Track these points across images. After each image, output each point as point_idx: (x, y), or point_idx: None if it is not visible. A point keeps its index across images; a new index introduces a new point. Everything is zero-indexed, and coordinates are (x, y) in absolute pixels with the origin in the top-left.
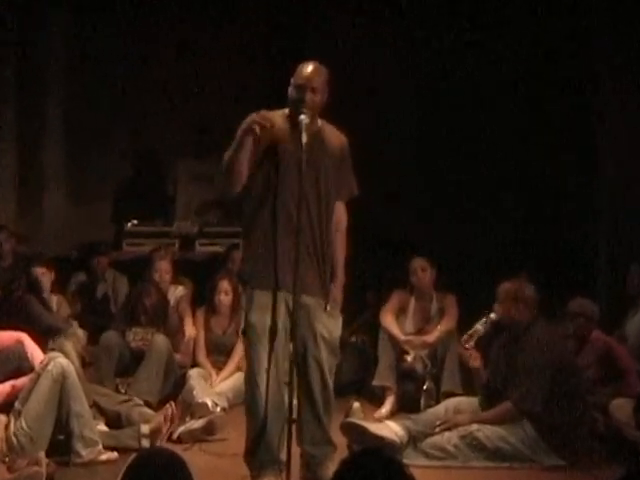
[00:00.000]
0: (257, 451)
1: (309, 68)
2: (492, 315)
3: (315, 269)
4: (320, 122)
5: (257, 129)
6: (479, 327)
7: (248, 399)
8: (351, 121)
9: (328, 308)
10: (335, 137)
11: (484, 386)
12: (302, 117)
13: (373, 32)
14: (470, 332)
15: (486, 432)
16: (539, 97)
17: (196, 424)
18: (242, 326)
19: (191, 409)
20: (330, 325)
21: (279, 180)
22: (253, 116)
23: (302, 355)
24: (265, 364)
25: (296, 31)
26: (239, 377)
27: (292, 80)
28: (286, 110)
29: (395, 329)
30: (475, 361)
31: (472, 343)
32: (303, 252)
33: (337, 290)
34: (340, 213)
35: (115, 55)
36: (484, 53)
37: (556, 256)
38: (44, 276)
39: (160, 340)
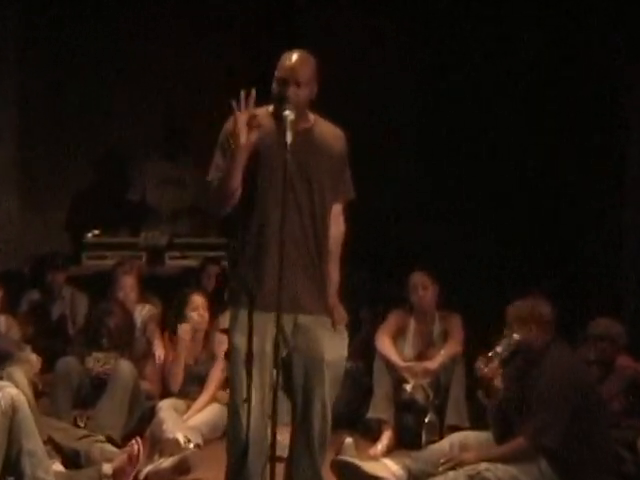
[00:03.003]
0: None
1: (293, 58)
2: (515, 335)
3: (312, 284)
4: (312, 118)
5: (244, 135)
6: (499, 350)
7: (229, 432)
8: (347, 116)
9: (335, 328)
10: (330, 134)
11: (496, 417)
12: (286, 113)
13: (371, 24)
14: (490, 354)
15: (496, 472)
16: (552, 91)
17: (166, 463)
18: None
19: (160, 445)
20: (336, 343)
21: (264, 187)
22: (236, 117)
23: (302, 385)
24: (258, 393)
25: (287, 21)
26: (214, 409)
27: (275, 73)
28: (270, 107)
29: (393, 354)
30: (496, 379)
31: (491, 367)
32: (297, 266)
33: (338, 301)
34: (337, 216)
35: (73, 45)
36: (487, 44)
37: (575, 270)
38: None
39: (125, 366)
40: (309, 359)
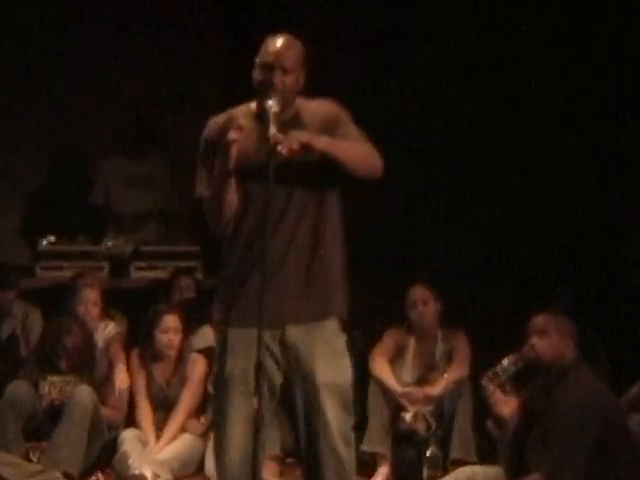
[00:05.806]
0: None
1: (278, 42)
2: (526, 352)
3: (305, 287)
4: (296, 103)
5: (233, 140)
6: (505, 364)
7: (219, 470)
8: None
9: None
10: (317, 112)
11: (507, 449)
12: (269, 104)
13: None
14: (495, 370)
15: None
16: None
17: None
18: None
19: None
20: (333, 361)
21: (248, 191)
22: (218, 123)
23: (303, 415)
24: (240, 424)
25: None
26: (186, 441)
27: (257, 59)
28: (252, 105)
29: (389, 379)
30: (504, 407)
31: (495, 384)
32: (285, 274)
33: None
34: None
35: (26, 24)
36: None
37: (598, 280)
38: None
39: (84, 392)
40: (302, 384)
